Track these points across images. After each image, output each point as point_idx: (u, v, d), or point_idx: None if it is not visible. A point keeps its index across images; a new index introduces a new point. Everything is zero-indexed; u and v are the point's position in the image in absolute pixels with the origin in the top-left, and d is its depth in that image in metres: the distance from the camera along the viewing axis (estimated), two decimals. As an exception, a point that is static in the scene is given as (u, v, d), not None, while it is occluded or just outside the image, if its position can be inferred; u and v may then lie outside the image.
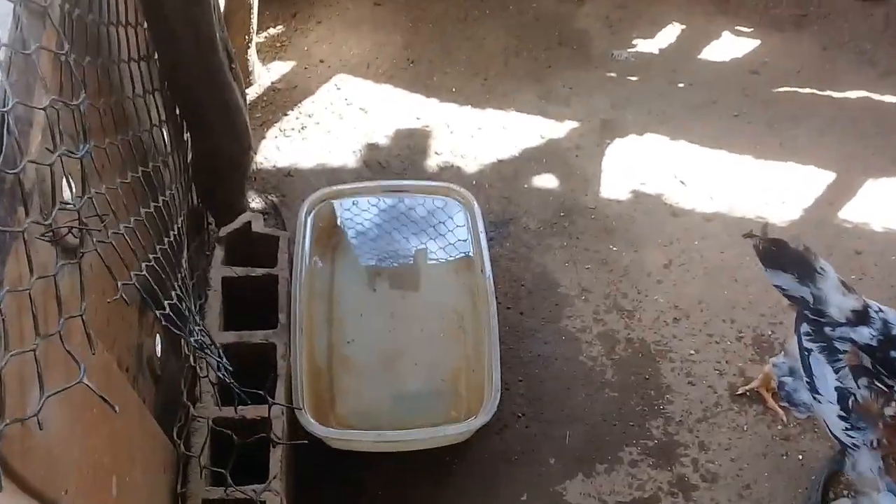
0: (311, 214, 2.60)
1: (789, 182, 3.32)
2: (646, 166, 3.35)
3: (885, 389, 2.06)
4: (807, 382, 2.28)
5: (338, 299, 2.59)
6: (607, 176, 3.32)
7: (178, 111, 2.39)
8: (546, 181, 3.30)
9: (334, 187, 2.71)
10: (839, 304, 2.18)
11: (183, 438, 1.98)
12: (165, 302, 1.61)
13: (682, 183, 3.31)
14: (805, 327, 2.25)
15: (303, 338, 2.30)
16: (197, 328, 1.77)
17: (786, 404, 2.54)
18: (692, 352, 2.86)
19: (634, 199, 3.25)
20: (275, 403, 1.94)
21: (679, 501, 2.53)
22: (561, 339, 2.87)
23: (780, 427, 2.68)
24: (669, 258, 3.08)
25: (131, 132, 1.91)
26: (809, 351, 2.23)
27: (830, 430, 2.26)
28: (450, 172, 3.27)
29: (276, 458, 1.99)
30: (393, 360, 2.51)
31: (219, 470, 1.88)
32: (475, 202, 2.73)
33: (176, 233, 2.01)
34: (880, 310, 2.20)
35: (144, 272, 1.59)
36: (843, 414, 2.13)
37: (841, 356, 2.14)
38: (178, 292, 1.73)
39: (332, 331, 2.52)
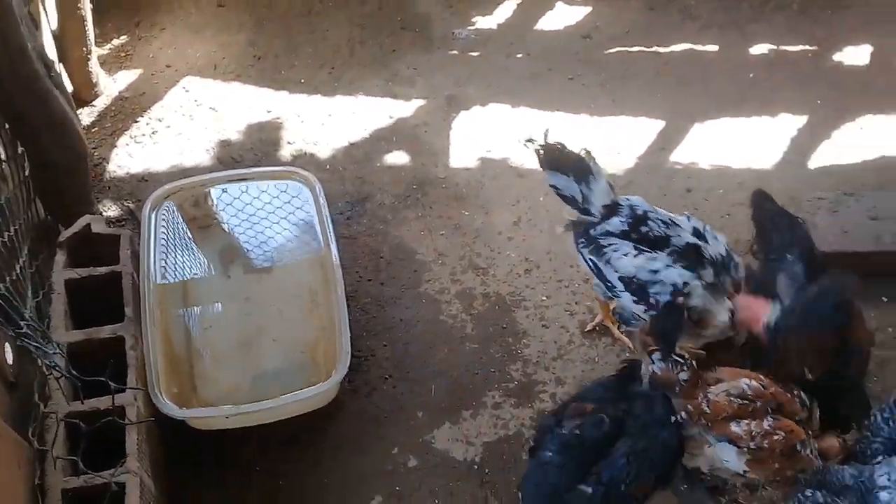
0: (156, 211, 2.66)
1: (623, 134, 3.57)
2: (490, 135, 3.54)
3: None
4: (597, 285, 2.51)
5: (193, 290, 2.67)
6: (455, 147, 3.50)
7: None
8: (397, 158, 3.45)
9: (177, 182, 2.78)
10: (600, 203, 2.43)
11: (37, 435, 2.04)
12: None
13: (529, 141, 3.50)
14: (578, 237, 2.49)
15: (155, 329, 2.37)
16: (24, 322, 1.83)
17: (623, 326, 2.77)
18: (544, 297, 3.06)
19: (482, 166, 3.44)
20: (119, 388, 2.01)
21: (540, 434, 2.71)
22: (421, 303, 3.02)
23: (627, 354, 2.90)
24: (518, 216, 3.28)
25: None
26: (591, 259, 2.46)
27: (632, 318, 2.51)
28: (303, 160, 3.39)
29: (132, 440, 2.06)
30: (251, 342, 2.61)
31: (71, 458, 1.94)
32: (317, 182, 2.85)
33: (6, 239, 2.06)
34: (628, 199, 2.45)
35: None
36: (636, 298, 2.37)
37: (606, 250, 2.39)
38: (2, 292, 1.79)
39: (189, 321, 2.60)
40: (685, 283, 2.33)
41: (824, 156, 3.52)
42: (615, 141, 3.54)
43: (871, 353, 2.49)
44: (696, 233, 2.41)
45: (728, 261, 2.38)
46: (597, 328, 2.95)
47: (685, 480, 2.53)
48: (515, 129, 3.57)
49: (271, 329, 2.65)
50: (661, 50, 3.93)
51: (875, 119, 3.67)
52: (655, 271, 2.34)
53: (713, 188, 3.39)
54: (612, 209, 2.44)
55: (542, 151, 2.50)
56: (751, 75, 3.82)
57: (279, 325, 2.66)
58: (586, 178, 2.45)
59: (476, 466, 2.64)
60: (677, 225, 2.41)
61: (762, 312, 2.32)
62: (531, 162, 3.42)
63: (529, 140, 2.51)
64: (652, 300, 2.34)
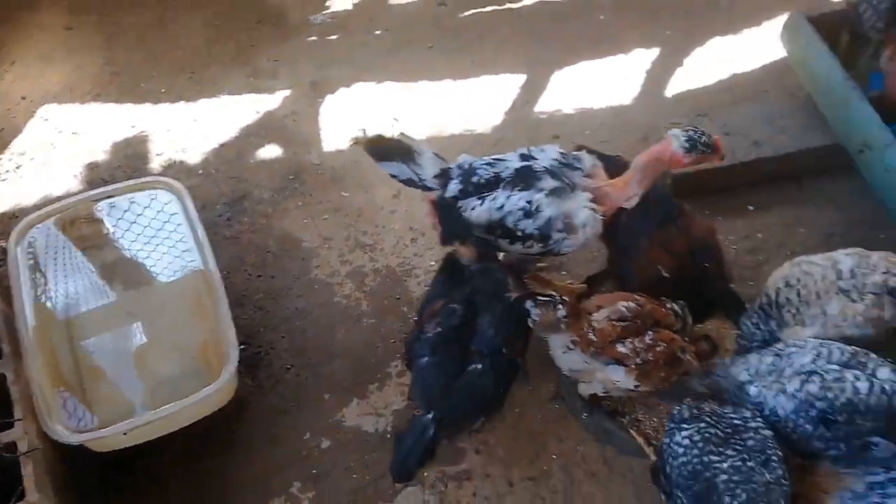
0: (21, 244, 2.62)
1: (486, 93, 3.67)
2: (360, 113, 3.59)
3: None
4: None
5: (74, 316, 2.66)
6: (326, 132, 3.53)
7: None
8: (270, 152, 3.47)
9: (39, 212, 2.72)
10: (432, 174, 2.49)
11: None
12: None
13: (395, 119, 3.57)
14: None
15: (38, 361, 2.35)
16: None
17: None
18: (433, 263, 3.13)
19: (355, 146, 3.47)
20: (4, 424, 2.01)
21: (445, 394, 2.80)
22: (314, 289, 3.07)
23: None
24: (397, 189, 3.32)
25: None
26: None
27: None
28: (174, 168, 3.37)
29: (29, 473, 2.07)
30: (142, 356, 2.62)
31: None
32: (182, 187, 2.83)
33: None
34: (456, 161, 2.51)
35: None
36: (508, 240, 2.45)
37: (462, 214, 2.46)
38: None
39: (75, 346, 2.59)
40: (528, 202, 2.38)
41: (679, 83, 3.70)
42: (480, 101, 3.63)
43: (719, 246, 2.64)
44: (523, 157, 2.48)
45: (567, 160, 2.45)
46: (486, 283, 3.06)
47: (586, 409, 2.67)
48: (383, 104, 3.63)
49: (160, 340, 2.66)
50: (514, 6, 4.04)
51: (724, 40, 3.87)
52: (501, 207, 2.40)
53: (578, 131, 3.52)
54: (444, 176, 2.49)
55: (366, 148, 2.52)
56: (601, 17, 3.97)
57: (167, 336, 2.67)
58: (412, 157, 2.48)
59: (388, 435, 2.71)
60: (502, 160, 2.48)
61: (623, 195, 2.42)
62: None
63: (354, 143, 2.53)
64: (518, 233, 2.43)
